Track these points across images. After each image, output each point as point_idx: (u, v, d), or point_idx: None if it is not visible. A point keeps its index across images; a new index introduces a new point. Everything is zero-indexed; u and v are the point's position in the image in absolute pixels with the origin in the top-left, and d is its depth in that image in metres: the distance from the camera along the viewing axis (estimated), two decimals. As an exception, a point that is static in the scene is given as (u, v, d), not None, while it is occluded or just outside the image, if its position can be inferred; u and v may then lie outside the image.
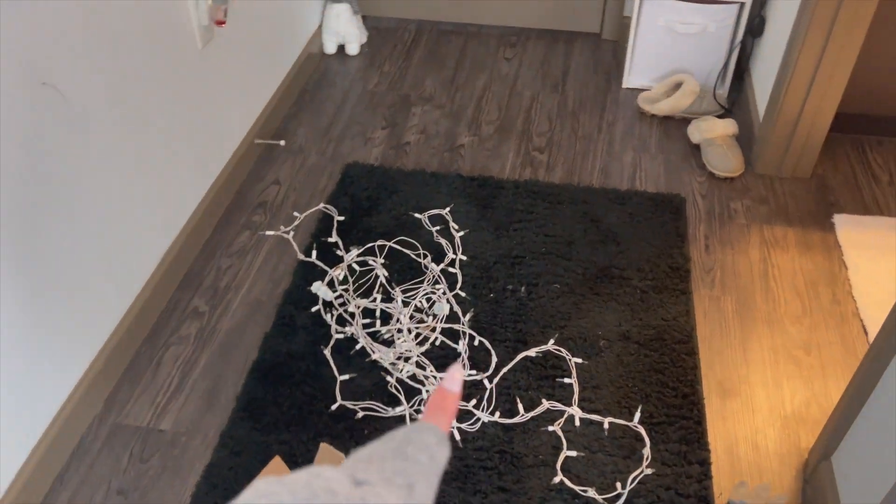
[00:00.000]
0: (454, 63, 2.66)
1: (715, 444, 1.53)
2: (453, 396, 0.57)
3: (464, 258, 1.90)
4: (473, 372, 1.64)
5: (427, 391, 1.60)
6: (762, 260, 1.92)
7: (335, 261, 1.89)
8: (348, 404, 1.59)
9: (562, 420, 1.55)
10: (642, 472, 1.46)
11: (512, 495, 1.44)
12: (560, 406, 1.57)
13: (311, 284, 1.83)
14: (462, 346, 1.68)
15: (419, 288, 1.82)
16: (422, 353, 1.67)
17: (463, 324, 1.73)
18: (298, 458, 1.49)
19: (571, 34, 2.80)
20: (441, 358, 1.67)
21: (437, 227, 1.98)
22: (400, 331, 1.72)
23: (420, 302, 1.78)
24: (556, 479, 1.45)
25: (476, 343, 1.70)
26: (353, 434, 1.55)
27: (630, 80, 2.51)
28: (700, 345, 1.71)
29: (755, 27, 2.31)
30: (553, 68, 2.63)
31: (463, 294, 1.81)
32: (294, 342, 1.72)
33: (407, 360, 1.66)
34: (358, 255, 1.90)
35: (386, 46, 2.75)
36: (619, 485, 1.45)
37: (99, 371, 1.59)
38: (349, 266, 1.88)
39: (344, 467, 0.47)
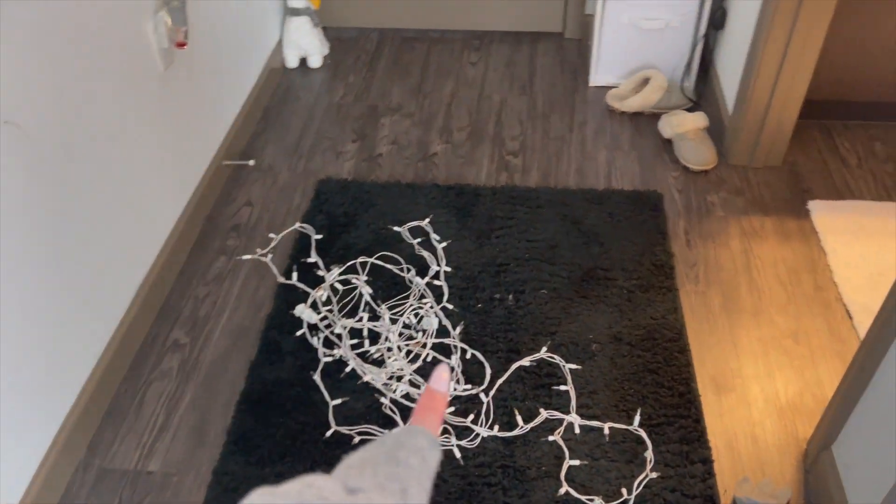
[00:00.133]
0: (419, 70, 2.63)
1: (715, 441, 1.53)
2: (441, 396, 0.57)
3: (448, 269, 1.87)
4: (469, 386, 1.61)
5: (423, 410, 1.57)
6: (743, 251, 1.93)
7: (317, 281, 1.85)
8: (343, 430, 1.55)
9: (561, 429, 1.54)
10: (647, 476, 1.45)
11: (518, 510, 1.42)
12: (558, 414, 1.56)
13: (293, 308, 1.78)
14: (455, 361, 1.66)
15: (405, 303, 1.79)
16: (414, 371, 1.64)
17: (454, 337, 1.70)
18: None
19: (534, 35, 2.79)
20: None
21: (418, 240, 1.95)
22: (390, 349, 1.68)
23: (408, 318, 1.74)
24: (562, 491, 1.43)
25: (468, 356, 1.67)
26: (350, 460, 1.51)
27: (597, 78, 2.51)
28: (691, 341, 1.71)
29: (717, 20, 2.33)
30: (519, 70, 2.62)
31: (450, 307, 1.78)
32: (281, 369, 1.67)
33: (399, 379, 1.62)
34: (340, 274, 1.86)
35: (349, 57, 2.71)
36: (624, 491, 1.44)
37: (80, 415, 1.52)
38: (331, 286, 1.83)
39: (336, 475, 0.47)
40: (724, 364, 1.67)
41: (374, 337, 1.72)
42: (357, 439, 1.53)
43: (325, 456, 1.52)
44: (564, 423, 1.54)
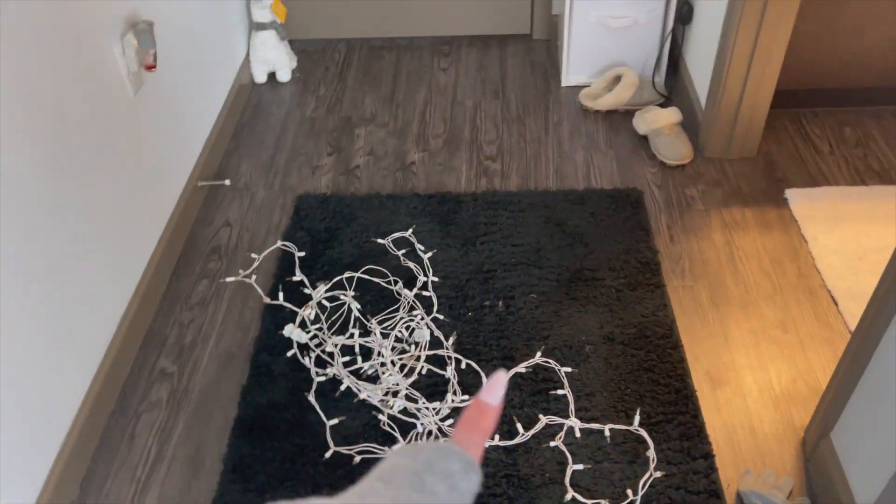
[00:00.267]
0: (390, 79, 2.62)
1: (714, 435, 1.54)
2: (491, 412, 0.51)
3: (435, 279, 1.86)
4: (465, 397, 1.60)
5: (421, 424, 1.55)
6: (726, 243, 1.94)
7: (303, 300, 1.83)
8: (342, 450, 1.53)
9: (562, 433, 1.53)
10: (651, 475, 1.45)
11: (526, 519, 1.41)
12: (558, 419, 1.55)
13: (282, 328, 1.76)
14: (450, 372, 1.64)
15: (396, 317, 1.77)
16: (410, 385, 1.62)
17: (447, 348, 1.69)
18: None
19: (503, 38, 2.79)
20: (430, 387, 1.62)
21: (403, 251, 1.94)
22: (383, 364, 1.66)
23: (399, 331, 1.73)
24: (568, 497, 1.43)
25: (463, 366, 1.66)
26: (352, 481, 1.48)
27: (569, 78, 2.52)
28: (682, 337, 1.72)
29: (684, 15, 2.35)
30: (490, 74, 2.61)
31: (441, 317, 1.77)
32: (274, 391, 1.64)
33: (395, 394, 1.61)
34: (326, 291, 1.84)
35: (318, 69, 2.68)
36: (629, 492, 1.44)
37: (70, 454, 1.48)
38: (319, 303, 1.81)
39: (360, 487, 0.43)
40: (717, 357, 1.68)
41: (367, 353, 1.70)
42: (357, 459, 1.51)
43: (326, 478, 1.49)
44: (565, 428, 1.54)
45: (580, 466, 1.47)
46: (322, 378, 1.65)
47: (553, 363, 1.66)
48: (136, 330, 1.75)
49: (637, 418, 1.54)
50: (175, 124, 2.00)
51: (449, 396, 1.59)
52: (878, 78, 2.25)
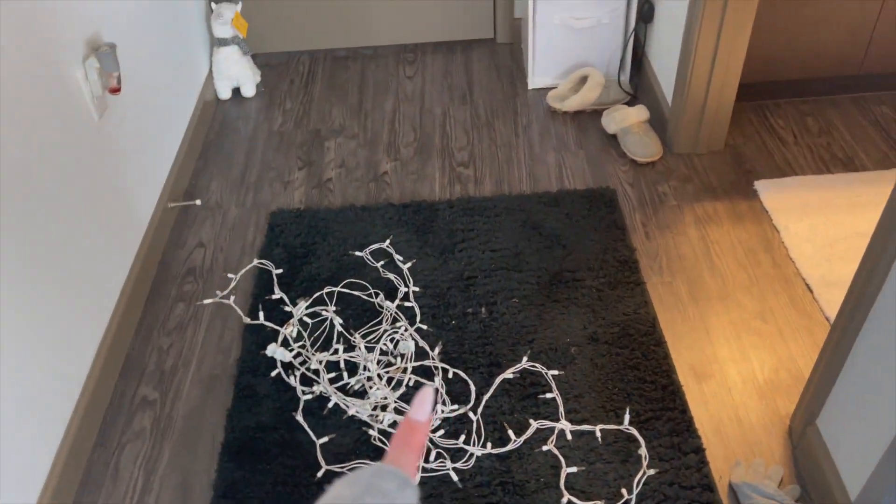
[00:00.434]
0: (357, 89, 2.60)
1: (703, 429, 1.55)
2: (421, 428, 0.54)
3: (416, 289, 1.85)
4: (455, 406, 1.60)
5: (413, 436, 1.54)
6: (701, 238, 1.97)
7: (284, 318, 1.80)
8: (334, 468, 1.51)
9: (553, 437, 1.54)
10: (644, 473, 1.46)
11: (523, 526, 1.41)
12: (549, 423, 1.56)
13: (264, 348, 1.73)
14: (438, 382, 1.64)
15: (379, 329, 1.76)
16: (398, 398, 1.61)
17: (433, 358, 1.68)
18: (295, 538, 1.40)
19: (467, 43, 2.80)
20: (419, 399, 1.61)
21: (382, 262, 1.93)
22: (370, 379, 1.65)
23: (384, 344, 1.71)
24: (564, 500, 1.43)
25: (451, 375, 1.66)
26: (347, 499, 1.47)
27: (535, 80, 2.53)
28: (665, 332, 1.74)
29: (645, 13, 2.38)
30: (457, 80, 2.62)
31: (425, 327, 1.76)
32: (261, 413, 1.62)
33: (385, 408, 1.59)
34: (307, 308, 1.82)
35: (282, 83, 2.66)
36: (624, 491, 1.44)
37: (53, 491, 1.43)
38: (300, 320, 1.79)
39: None
40: (700, 351, 1.70)
41: (352, 368, 1.69)
42: (350, 476, 1.49)
43: (319, 498, 1.47)
44: (556, 431, 1.54)
45: (574, 469, 1.48)
46: (309, 396, 1.63)
47: (540, 367, 1.66)
48: (113, 359, 1.71)
49: (627, 417, 1.55)
50: (141, 146, 1.96)
51: (438, 407, 1.59)
52: (836, 68, 2.31)
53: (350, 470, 1.50)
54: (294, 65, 2.74)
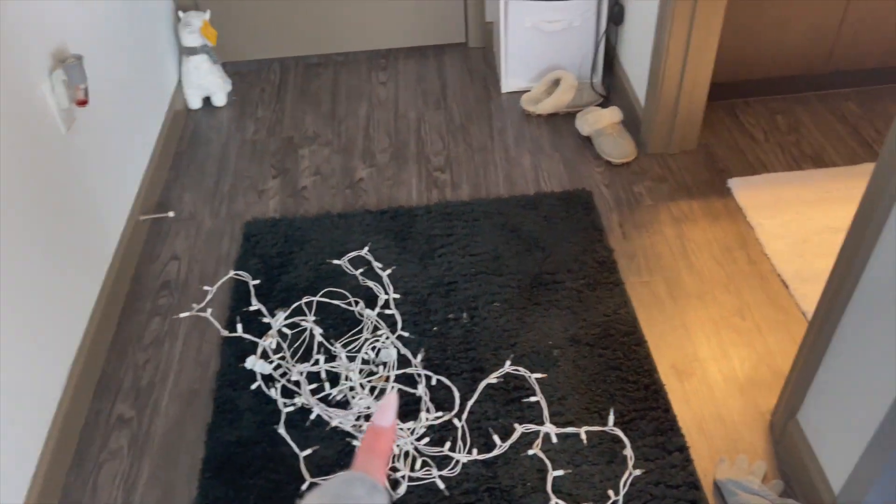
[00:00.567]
0: (329, 96, 2.58)
1: (686, 427, 1.56)
2: (386, 433, 0.55)
3: (397, 297, 1.84)
4: (440, 413, 1.58)
5: (398, 446, 1.53)
6: (677, 236, 1.99)
7: (263, 329, 1.78)
8: (319, 480, 1.49)
9: (539, 440, 1.53)
10: (630, 474, 1.46)
11: (512, 531, 1.40)
12: (534, 427, 1.55)
13: (243, 361, 1.71)
14: (421, 389, 1.62)
15: (360, 338, 1.74)
16: (382, 407, 1.59)
17: (416, 365, 1.67)
18: (281, 553, 1.38)
19: (439, 47, 2.79)
20: (403, 407, 1.60)
21: (361, 270, 1.91)
22: (353, 388, 1.63)
23: (366, 353, 1.70)
24: (552, 504, 1.43)
25: (434, 382, 1.65)
26: (332, 511, 1.45)
27: (508, 84, 2.53)
28: (645, 332, 1.75)
29: (615, 15, 2.40)
30: (430, 84, 2.61)
31: (406, 334, 1.75)
32: (242, 427, 1.59)
33: (368, 418, 1.58)
34: (286, 318, 1.79)
35: (254, 91, 2.63)
36: (611, 492, 1.44)
37: (29, 516, 1.40)
38: (279, 332, 1.77)
39: None
40: (681, 350, 1.71)
41: (334, 378, 1.67)
42: (335, 488, 1.48)
43: (305, 511, 1.45)
44: (541, 435, 1.54)
45: (560, 472, 1.48)
46: (290, 408, 1.61)
47: (523, 370, 1.66)
48: (87, 377, 1.68)
49: (611, 418, 1.55)
50: (111, 159, 1.93)
51: (423, 415, 1.57)
52: (802, 66, 2.34)
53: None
54: (265, 73, 2.72)
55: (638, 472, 1.47)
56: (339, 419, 1.57)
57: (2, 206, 1.41)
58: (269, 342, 1.73)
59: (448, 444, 1.53)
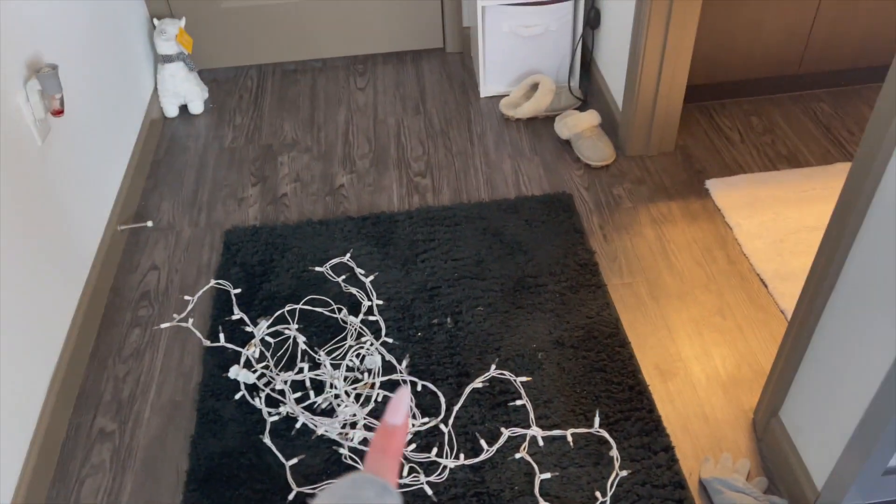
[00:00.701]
0: (308, 102, 2.57)
1: (671, 427, 1.57)
2: (398, 432, 0.53)
3: (380, 303, 1.83)
4: (426, 419, 1.58)
5: (385, 452, 1.52)
6: (657, 238, 2.00)
7: (246, 338, 1.76)
8: (306, 490, 1.48)
9: (525, 444, 1.54)
10: (616, 475, 1.47)
11: (501, 535, 1.40)
12: (520, 430, 1.56)
13: (226, 371, 1.69)
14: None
15: (344, 345, 1.73)
16: (368, 415, 1.59)
17: (401, 372, 1.67)
18: (269, 564, 1.37)
19: (416, 53, 2.79)
20: (389, 413, 1.59)
21: (343, 277, 1.90)
22: (338, 396, 1.62)
23: (350, 360, 1.69)
24: (540, 507, 1.43)
25: (419, 388, 1.64)
26: (320, 520, 1.44)
27: (487, 88, 2.54)
28: (628, 333, 1.76)
29: (592, 20, 2.42)
30: (409, 90, 2.61)
31: (391, 340, 1.74)
32: (226, 438, 1.58)
33: (354, 425, 1.57)
34: (269, 327, 1.78)
35: (231, 98, 2.61)
36: (598, 494, 1.45)
37: (10, 534, 1.37)
38: (262, 340, 1.75)
39: None
40: (664, 350, 1.73)
41: (319, 386, 1.66)
42: (323, 497, 1.47)
43: (292, 521, 1.44)
44: (528, 438, 1.54)
45: (547, 475, 1.48)
46: (275, 418, 1.60)
47: (508, 374, 1.66)
48: (67, 391, 1.65)
49: (597, 420, 1.56)
50: (87, 169, 1.90)
51: (410, 421, 1.57)
52: (776, 68, 2.38)
53: (321, 490, 1.47)
54: (242, 80, 2.70)
55: (624, 472, 1.48)
56: (325, 427, 1.56)
57: (-23, 219, 1.38)
58: (252, 351, 1.72)
59: (435, 450, 1.53)
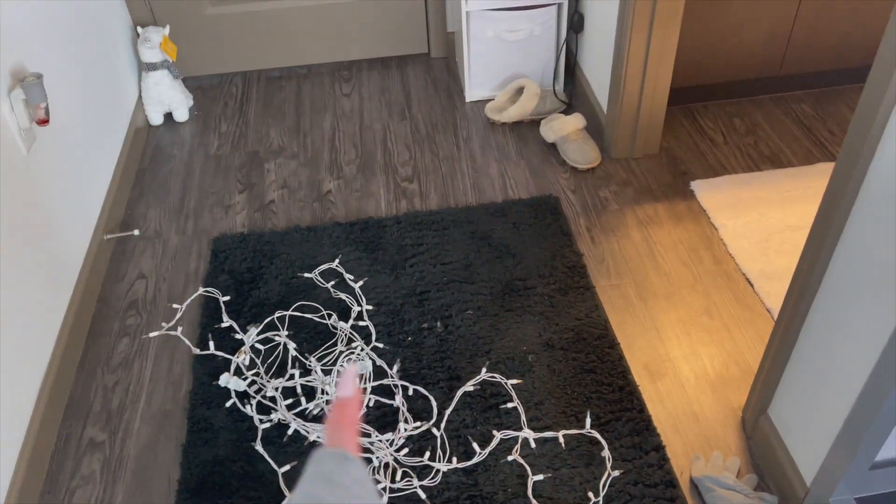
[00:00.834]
0: (294, 109, 2.57)
1: (661, 427, 1.59)
2: (350, 403, 0.57)
3: (370, 308, 1.83)
4: (418, 424, 1.58)
5: (377, 458, 1.52)
6: (644, 239, 2.02)
7: (235, 346, 1.76)
8: (299, 496, 1.48)
9: (517, 446, 1.54)
10: (609, 475, 1.48)
11: (495, 538, 1.41)
12: (512, 433, 1.56)
13: (216, 379, 1.69)
14: (398, 400, 1.62)
15: (335, 351, 1.73)
16: (360, 420, 1.59)
17: (392, 377, 1.67)
18: (264, 572, 1.36)
19: (401, 58, 2.80)
20: (381, 418, 1.60)
21: (332, 282, 1.90)
22: (329, 402, 1.62)
23: (341, 366, 1.69)
24: (534, 508, 1.44)
25: (410, 393, 1.65)
26: (314, 527, 1.44)
27: (472, 93, 2.55)
28: (617, 334, 1.77)
29: (576, 24, 2.44)
30: (394, 95, 2.62)
31: (381, 345, 1.75)
32: (218, 446, 1.57)
33: (346, 430, 1.57)
34: (258, 334, 1.78)
35: (216, 105, 2.61)
36: (591, 494, 1.46)
37: (0, 547, 1.36)
38: (252, 347, 1.75)
39: None
40: (653, 350, 1.74)
41: (310, 392, 1.66)
42: (316, 503, 1.47)
43: (286, 528, 1.44)
44: (520, 440, 1.55)
45: (540, 477, 1.49)
46: (267, 425, 1.59)
47: (499, 377, 1.67)
48: (55, 402, 1.64)
49: (588, 420, 1.57)
50: (73, 178, 1.89)
51: (401, 425, 1.57)
52: (757, 70, 2.41)
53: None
54: (227, 87, 2.69)
55: (616, 472, 1.49)
56: (317, 433, 1.56)
57: (-37, 230, 1.37)
58: (242, 358, 1.71)
59: (427, 454, 1.53)
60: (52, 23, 1.88)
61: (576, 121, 2.28)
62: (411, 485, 1.48)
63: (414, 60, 2.79)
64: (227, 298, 1.88)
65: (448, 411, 1.61)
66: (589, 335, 1.76)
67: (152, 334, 1.82)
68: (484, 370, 1.68)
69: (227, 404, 1.64)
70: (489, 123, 2.47)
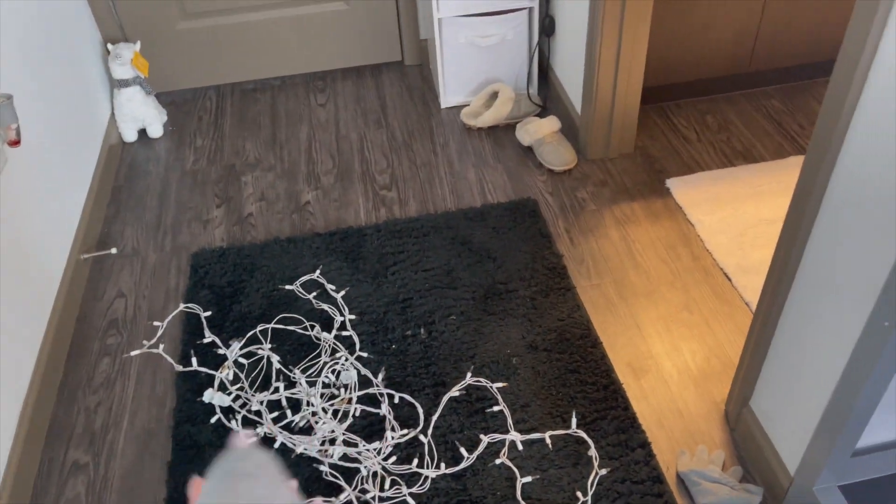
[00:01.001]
0: (269, 121, 2.57)
1: (646, 423, 1.60)
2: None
3: (353, 318, 1.83)
4: (405, 431, 1.59)
5: (365, 468, 1.52)
6: (622, 238, 2.04)
7: (219, 361, 1.75)
8: (288, 509, 1.47)
9: (505, 449, 1.55)
10: (596, 474, 1.49)
11: (486, 542, 1.41)
12: (499, 436, 1.57)
13: (200, 395, 1.67)
14: (385, 409, 1.62)
15: (319, 362, 1.73)
16: (346, 430, 1.58)
17: (377, 385, 1.67)
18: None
19: (375, 67, 2.81)
20: (367, 428, 1.60)
21: (314, 294, 1.90)
22: (315, 414, 1.62)
23: (326, 377, 1.69)
24: (523, 511, 1.44)
25: (397, 401, 1.65)
26: (304, 539, 1.43)
27: (447, 99, 2.56)
28: (599, 334, 1.79)
29: (547, 27, 2.46)
30: (370, 104, 2.62)
31: (365, 354, 1.74)
32: (204, 463, 1.56)
33: (333, 442, 1.57)
34: (241, 348, 1.77)
35: (190, 120, 2.59)
36: (579, 494, 1.47)
37: (-15, 576, 1.34)
38: (235, 362, 1.74)
39: None
40: (635, 348, 1.76)
41: (296, 405, 1.65)
42: (305, 516, 1.46)
43: (276, 542, 1.43)
44: (507, 443, 1.55)
45: (528, 478, 1.49)
46: (253, 439, 1.58)
47: (484, 381, 1.67)
48: (37, 425, 1.62)
49: (574, 420, 1.58)
50: (47, 198, 1.87)
51: (388, 434, 1.57)
52: (727, 67, 2.45)
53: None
54: (201, 101, 2.68)
55: (604, 471, 1.50)
56: (304, 445, 1.55)
57: (-64, 255, 1.36)
58: (225, 373, 1.70)
59: (416, 461, 1.53)
60: (21, 43, 1.87)
61: (551, 123, 2.30)
62: (400, 493, 1.48)
63: (388, 68, 2.80)
64: (208, 314, 1.86)
65: (434, 417, 1.61)
66: (571, 336, 1.77)
67: (133, 353, 1.80)
68: (469, 375, 1.69)
69: (213, 420, 1.63)
70: (465, 129, 2.48)
